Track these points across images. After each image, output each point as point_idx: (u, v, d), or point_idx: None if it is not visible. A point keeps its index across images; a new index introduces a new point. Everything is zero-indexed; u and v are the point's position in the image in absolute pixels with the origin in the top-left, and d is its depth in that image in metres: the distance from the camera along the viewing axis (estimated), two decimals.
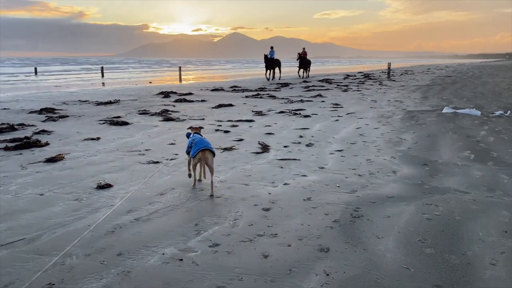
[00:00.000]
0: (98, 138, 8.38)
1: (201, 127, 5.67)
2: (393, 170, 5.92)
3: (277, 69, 31.08)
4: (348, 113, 11.96)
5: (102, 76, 38.39)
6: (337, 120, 10.77)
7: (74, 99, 16.38)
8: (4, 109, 13.28)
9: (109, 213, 4.12)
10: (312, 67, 35.91)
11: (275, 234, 3.73)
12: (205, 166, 5.05)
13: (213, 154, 4.92)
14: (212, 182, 4.90)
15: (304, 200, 4.66)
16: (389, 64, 32.82)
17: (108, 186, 5.19)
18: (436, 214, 4.19)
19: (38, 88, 24.70)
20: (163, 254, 3.38)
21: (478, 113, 11.39)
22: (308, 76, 33.58)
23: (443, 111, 12.01)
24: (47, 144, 7.84)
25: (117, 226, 3.96)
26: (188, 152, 5.15)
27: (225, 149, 7.36)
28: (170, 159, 6.61)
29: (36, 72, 43.52)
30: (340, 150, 7.21)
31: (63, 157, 6.80)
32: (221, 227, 3.91)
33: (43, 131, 9.13)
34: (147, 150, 7.33)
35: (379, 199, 4.65)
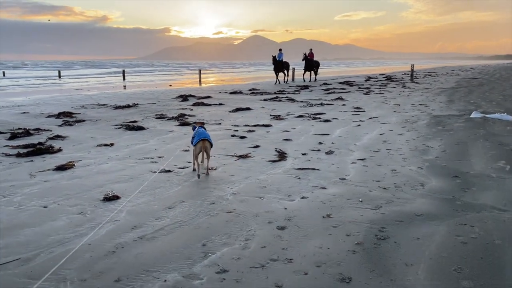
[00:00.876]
0: (112, 144, 8.17)
1: (202, 122, 6.64)
2: (421, 182, 5.45)
3: (285, 72, 29.58)
4: (371, 118, 11.46)
5: (124, 79, 38.73)
6: (358, 125, 10.30)
7: (93, 103, 16.36)
8: (24, 113, 13.30)
9: (112, 229, 3.83)
10: (332, 69, 35.01)
11: (291, 259, 3.35)
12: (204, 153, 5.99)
13: (211, 144, 5.99)
14: (207, 165, 6.12)
15: (323, 217, 4.26)
16: (412, 66, 31.93)
17: (115, 198, 4.92)
18: (472, 237, 3.73)
19: (60, 91, 24.96)
20: (165, 281, 3.05)
21: (511, 118, 10.72)
22: (316, 79, 31.59)
23: (471, 116, 11.37)
24: (59, 150, 7.67)
25: (119, 245, 3.66)
26: (192, 143, 6.03)
27: (240, 156, 7.02)
28: (183, 168, 6.31)
29: (59, 75, 44.23)
30: (362, 159, 6.77)
31: (74, 164, 6.58)
32: (231, 248, 3.56)
33: (58, 137, 8.98)
34: (159, 157, 7.06)
35: (407, 217, 4.22)
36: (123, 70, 41.90)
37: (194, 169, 6.07)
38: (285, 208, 4.51)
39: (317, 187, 5.30)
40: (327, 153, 7.25)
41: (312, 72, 31.04)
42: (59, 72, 46.43)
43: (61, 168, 6.34)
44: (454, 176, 5.69)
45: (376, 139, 8.43)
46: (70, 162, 6.70)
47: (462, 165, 6.28)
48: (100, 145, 8.09)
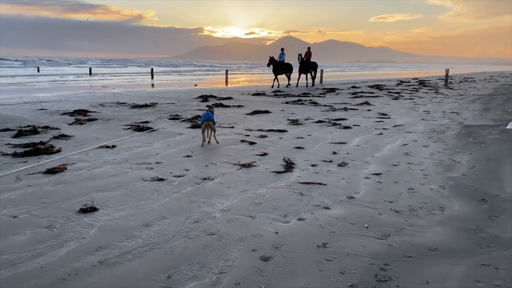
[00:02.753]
0: (113, 146, 7.79)
1: (211, 106, 8.46)
2: (441, 206, 4.72)
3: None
4: (395, 126, 10.65)
5: (152, 77, 38.91)
6: (381, 133, 9.53)
7: (113, 101, 16.23)
8: (42, 109, 13.25)
9: (74, 249, 3.35)
10: (364, 72, 33.30)
11: None
12: (209, 130, 7.97)
13: (214, 122, 7.97)
14: (210, 136, 8.15)
15: (318, 246, 3.64)
16: (447, 70, 30.41)
17: (92, 210, 4.46)
18: (497, 285, 3.02)
19: (86, 88, 25.16)
20: None
21: None
22: (313, 83, 27.61)
23: (507, 127, 10.36)
24: (58, 151, 7.35)
25: (74, 271, 3.17)
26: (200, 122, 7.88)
27: (243, 165, 6.45)
28: (177, 176, 5.81)
29: (90, 73, 45.05)
30: (378, 174, 6.06)
31: (65, 167, 6.21)
32: (199, 284, 3.00)
33: (63, 136, 8.70)
34: (158, 163, 6.59)
35: (418, 252, 3.54)
36: (152, 69, 42.18)
37: (202, 145, 7.92)
38: (276, 232, 3.91)
39: (319, 206, 4.67)
40: (339, 165, 6.58)
41: (309, 76, 27.41)
42: (90, 69, 47.31)
43: (51, 171, 5.97)
44: (481, 200, 4.92)
45: (397, 151, 7.68)
46: (63, 165, 6.33)
47: (492, 186, 5.48)
48: (101, 147, 7.73)
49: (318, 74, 29.84)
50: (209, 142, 8.06)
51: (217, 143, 8.04)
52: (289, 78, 26.73)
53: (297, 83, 26.80)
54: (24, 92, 20.78)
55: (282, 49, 26.77)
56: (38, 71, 47.75)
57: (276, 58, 25.71)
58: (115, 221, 4.16)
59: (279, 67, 25.57)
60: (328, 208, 4.62)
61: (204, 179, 5.70)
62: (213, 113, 8.07)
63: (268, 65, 25.40)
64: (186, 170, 6.17)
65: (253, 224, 4.12)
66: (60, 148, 7.57)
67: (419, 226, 4.12)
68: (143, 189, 5.20)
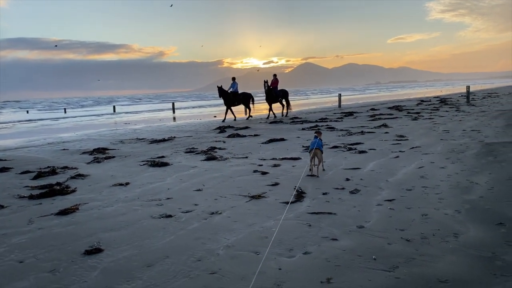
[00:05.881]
0: (127, 184, 7.87)
1: (320, 132, 8.45)
2: (455, 232, 4.50)
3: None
4: (413, 147, 10.40)
5: (173, 112, 39.70)
6: (397, 157, 9.31)
7: (133, 137, 16.55)
8: (64, 149, 13.62)
9: None
10: (384, 93, 32.40)
11: None
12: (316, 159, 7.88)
13: (321, 151, 7.87)
14: (318, 167, 7.90)
15: (321, 282, 3.50)
16: (468, 87, 29.81)
17: (97, 251, 4.46)
18: None
19: (108, 125, 25.82)
20: None
21: None
22: (287, 113, 24.33)
23: None
24: (73, 191, 7.48)
25: None
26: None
27: (253, 197, 6.38)
28: (186, 212, 5.78)
29: (114, 110, 46.38)
30: (390, 200, 5.88)
31: (78, 208, 6.29)
32: None
33: (79, 175, 8.87)
34: (168, 198, 6.60)
35: (426, 285, 3.35)
36: (173, 103, 43.10)
37: (310, 173, 7.89)
38: (280, 269, 3.80)
39: (327, 238, 4.53)
40: (351, 192, 6.42)
41: (282, 104, 24.55)
42: (114, 107, 48.72)
43: (63, 212, 6.06)
44: (498, 224, 4.67)
45: (413, 174, 7.46)
46: (75, 205, 6.42)
47: (511, 208, 5.21)
48: (115, 185, 7.82)
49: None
50: (317, 175, 7.70)
51: (323, 170, 8.03)
52: (247, 110, 24.18)
53: (268, 115, 24.00)
54: (50, 133, 21.49)
55: (234, 78, 24.29)
56: (65, 112, 49.48)
57: (227, 88, 23.61)
58: (118, 262, 4.14)
59: (232, 98, 23.28)
60: (335, 239, 4.47)
61: (212, 213, 5.65)
62: (321, 140, 8.04)
63: (220, 96, 23.23)
64: (195, 205, 6.14)
65: (257, 260, 4.02)
66: (75, 188, 7.70)
67: (430, 255, 3.92)
68: (150, 227, 5.19)
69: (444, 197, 5.85)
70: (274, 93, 23.68)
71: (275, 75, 24.60)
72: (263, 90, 23.78)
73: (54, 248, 4.60)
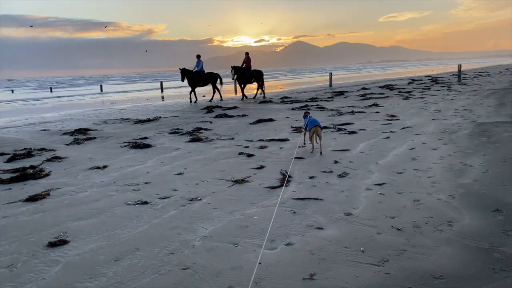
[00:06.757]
0: (105, 167, 7.46)
1: (308, 112, 8.49)
2: (449, 220, 4.20)
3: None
4: (404, 128, 10.08)
5: (162, 91, 38.90)
6: (387, 137, 8.99)
7: (117, 117, 16.05)
8: (44, 130, 13.10)
9: None
10: (376, 72, 31.86)
11: None
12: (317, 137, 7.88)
13: (321, 128, 7.85)
14: (320, 145, 7.83)
15: (304, 279, 3.17)
16: (459, 66, 29.49)
17: (62, 243, 4.08)
18: None
19: (94, 105, 25.14)
20: None
21: None
22: (264, 94, 23.03)
23: None
24: (47, 175, 7.05)
25: None
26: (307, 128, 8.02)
27: (236, 181, 6.02)
28: (164, 198, 5.41)
29: (101, 89, 45.38)
30: (380, 184, 5.56)
31: (48, 193, 5.89)
32: None
33: (56, 158, 8.42)
34: (146, 183, 6.22)
35: (419, 282, 3.04)
36: (161, 82, 42.23)
37: (312, 152, 7.83)
38: (259, 263, 3.46)
39: (312, 226, 4.20)
40: (339, 175, 6.09)
41: (255, 85, 23.10)
42: (101, 86, 47.72)
43: (32, 199, 5.64)
44: (494, 210, 4.37)
45: (404, 156, 7.15)
46: (46, 191, 6.01)
47: (507, 193, 4.92)
48: (92, 168, 7.41)
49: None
50: (321, 153, 7.64)
51: (321, 153, 7.66)
52: (215, 90, 22.12)
53: (243, 96, 22.28)
54: (32, 113, 20.81)
55: (198, 56, 21.98)
56: (51, 91, 48.34)
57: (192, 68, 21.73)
58: (84, 255, 3.78)
59: (197, 78, 21.40)
60: (321, 228, 4.15)
61: (192, 199, 5.29)
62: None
63: (182, 80, 21.34)
64: (175, 190, 5.77)
65: (235, 253, 3.68)
66: (50, 171, 7.28)
67: (422, 246, 3.61)
68: (123, 215, 4.82)
69: (436, 181, 5.55)
70: (247, 73, 21.94)
71: (247, 54, 22.79)
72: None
73: (15, 240, 4.22)
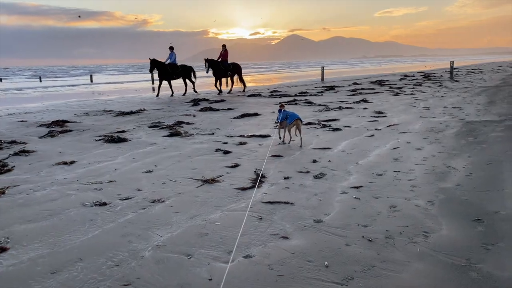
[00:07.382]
0: (72, 162, 7.05)
1: (283, 105, 8.40)
2: (425, 230, 3.87)
3: (184, 80, 21.37)
4: (390, 125, 9.76)
5: (152, 82, 38.31)
6: (372, 135, 8.65)
7: (100, 109, 15.57)
8: (22, 121, 12.63)
9: None
10: (369, 67, 31.67)
11: None
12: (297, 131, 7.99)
13: (301, 121, 7.97)
14: (301, 138, 7.96)
15: None
16: (452, 62, 29.21)
17: (0, 250, 3.70)
18: None
19: (80, 95, 24.58)
20: None
21: None
22: (244, 88, 22.29)
23: None
24: (8, 170, 6.64)
25: None
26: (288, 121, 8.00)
27: (206, 181, 5.65)
28: (125, 199, 5.04)
29: (91, 80, 44.67)
30: (357, 187, 5.22)
31: (4, 192, 5.48)
32: None
33: (24, 152, 7.99)
34: (110, 181, 5.83)
35: None
36: (152, 74, 41.57)
37: (289, 143, 8.02)
38: (210, 279, 3.10)
39: (276, 235, 3.85)
40: (316, 176, 5.74)
41: (232, 80, 22.12)
42: (91, 76, 46.98)
43: None
44: (475, 220, 4.05)
45: (386, 156, 6.82)
46: (2, 188, 5.60)
47: (490, 199, 4.60)
48: (58, 163, 7.00)
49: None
50: (301, 145, 7.78)
51: (300, 146, 7.73)
52: (187, 84, 21.32)
53: (220, 89, 21.21)
54: (14, 103, 20.27)
55: (171, 48, 20.66)
56: (40, 80, 47.51)
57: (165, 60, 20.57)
58: (20, 266, 3.40)
59: (170, 71, 20.35)
60: (286, 237, 3.80)
61: (154, 201, 4.92)
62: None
63: (151, 70, 20.67)
64: (138, 190, 5.40)
65: (186, 266, 3.32)
66: (13, 166, 6.87)
67: (393, 262, 3.28)
68: (76, 218, 4.44)
69: (417, 184, 5.22)
70: (223, 66, 21.06)
71: (224, 46, 21.66)
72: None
73: None
